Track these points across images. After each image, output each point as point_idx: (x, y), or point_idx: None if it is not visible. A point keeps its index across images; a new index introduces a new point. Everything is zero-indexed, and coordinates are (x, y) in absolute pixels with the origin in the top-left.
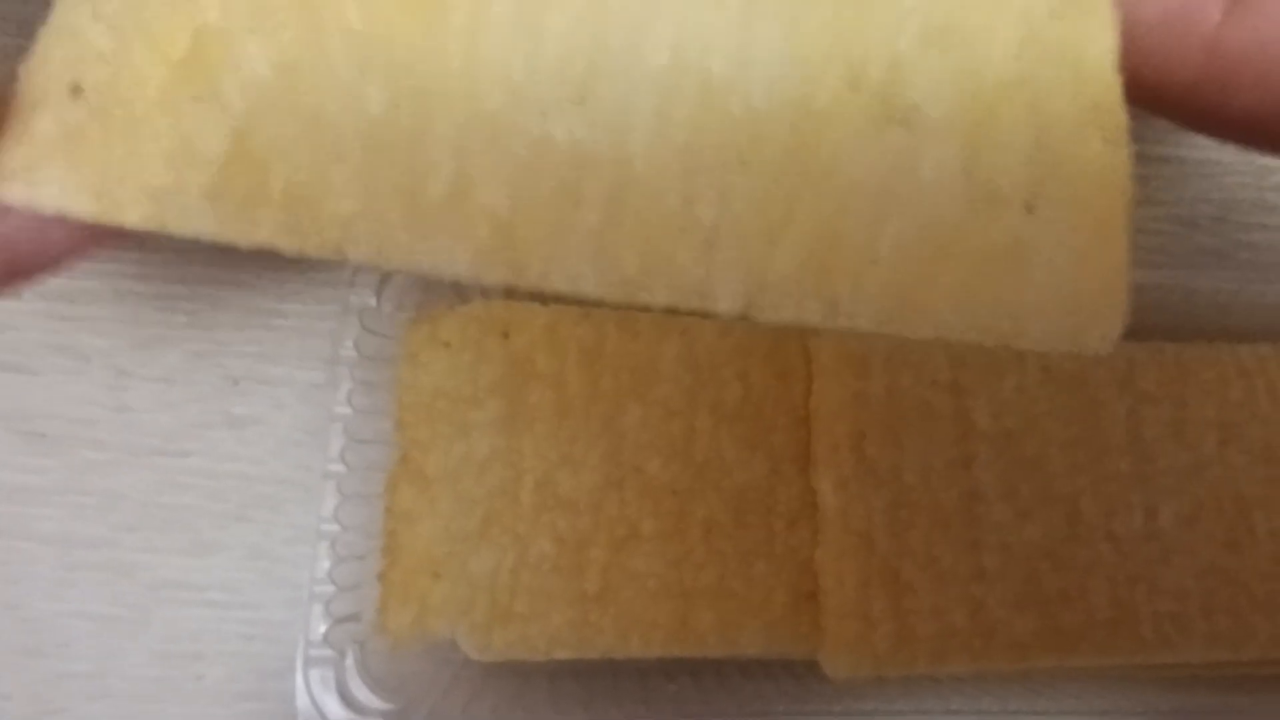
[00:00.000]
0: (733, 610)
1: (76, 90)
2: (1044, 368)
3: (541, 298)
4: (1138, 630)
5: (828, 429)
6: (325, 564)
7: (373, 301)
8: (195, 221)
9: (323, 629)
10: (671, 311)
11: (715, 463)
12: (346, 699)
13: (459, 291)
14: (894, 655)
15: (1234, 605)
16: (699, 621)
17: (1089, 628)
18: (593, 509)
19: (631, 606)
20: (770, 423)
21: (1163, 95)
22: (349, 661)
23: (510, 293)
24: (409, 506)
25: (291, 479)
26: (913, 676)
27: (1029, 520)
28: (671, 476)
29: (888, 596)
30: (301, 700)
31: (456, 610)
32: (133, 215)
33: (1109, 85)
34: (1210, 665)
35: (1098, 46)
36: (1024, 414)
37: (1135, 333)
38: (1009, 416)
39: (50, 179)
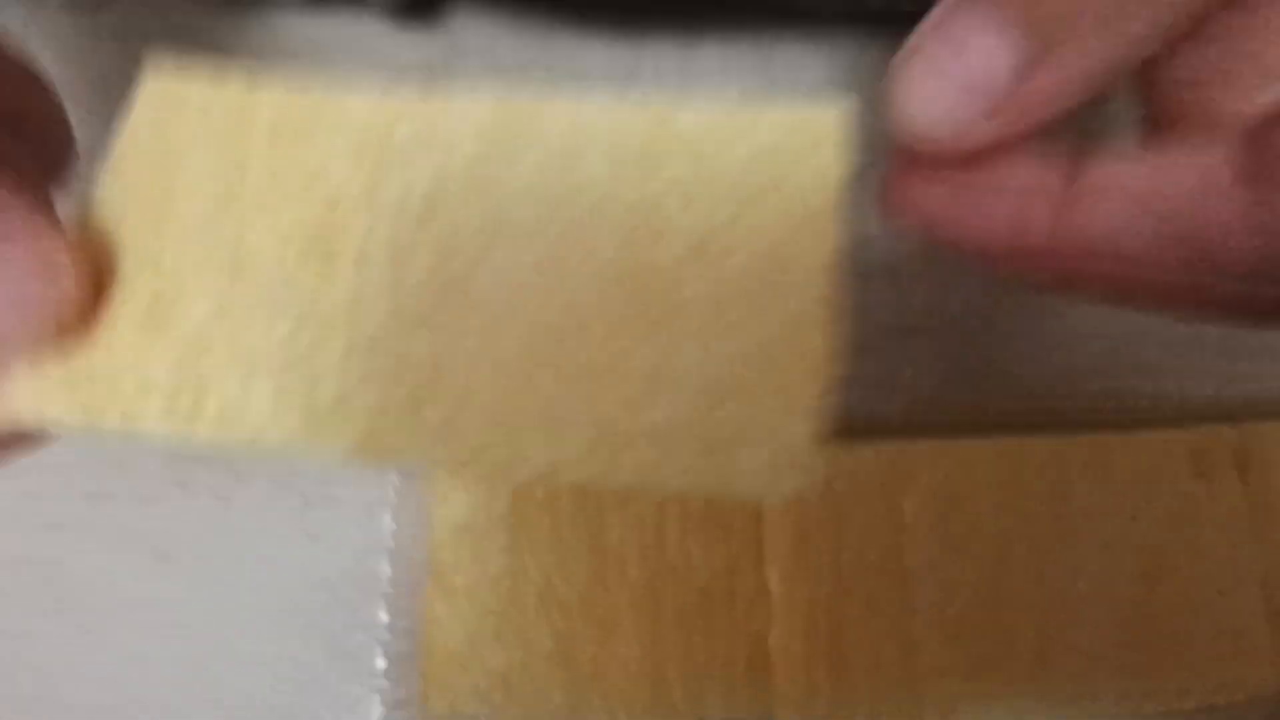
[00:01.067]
0: (701, 682)
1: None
2: (962, 461)
3: None
4: (1061, 664)
5: (776, 530)
6: (381, 664)
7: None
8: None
9: (382, 713)
10: None
11: (683, 561)
12: None
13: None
14: (835, 714)
15: (1146, 646)
16: (672, 693)
17: (1015, 681)
18: (584, 608)
19: (617, 686)
20: (728, 526)
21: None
22: None
23: None
24: (440, 615)
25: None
26: None
27: (954, 596)
28: (648, 575)
29: (829, 667)
30: None
31: (480, 697)
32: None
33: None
34: None
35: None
36: (947, 504)
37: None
38: (933, 509)
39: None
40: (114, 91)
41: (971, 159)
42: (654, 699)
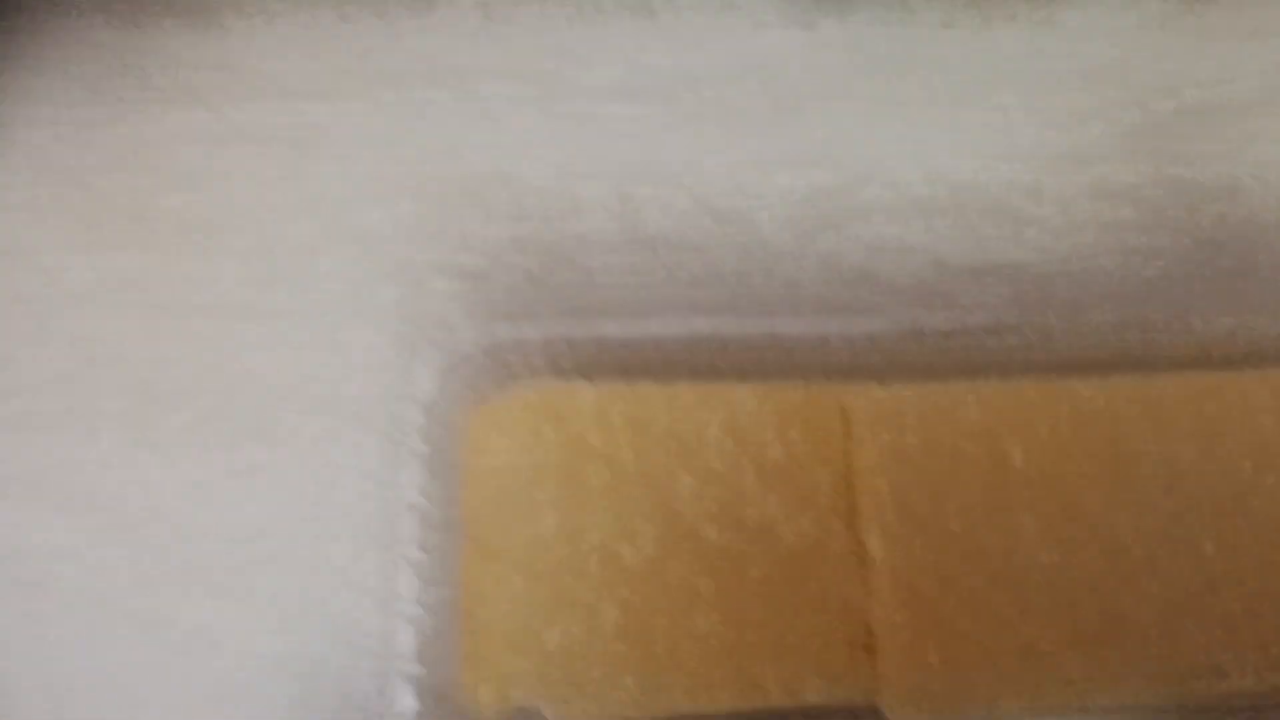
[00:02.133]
0: (793, 663)
1: None
2: (1074, 406)
3: (588, 377)
4: (1190, 661)
5: (870, 484)
6: (412, 644)
7: (434, 393)
8: None
9: (414, 706)
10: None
11: (765, 523)
12: None
13: (512, 375)
14: (950, 699)
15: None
16: (762, 676)
17: (1139, 661)
18: (654, 576)
19: (697, 666)
20: (814, 481)
21: None
22: None
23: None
24: (482, 585)
25: (366, 559)
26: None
27: (1073, 558)
28: (725, 540)
29: (941, 643)
30: None
31: (536, 681)
32: None
33: None
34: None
35: None
36: (1059, 455)
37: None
38: (1045, 459)
39: None
40: None
41: None
42: (741, 682)
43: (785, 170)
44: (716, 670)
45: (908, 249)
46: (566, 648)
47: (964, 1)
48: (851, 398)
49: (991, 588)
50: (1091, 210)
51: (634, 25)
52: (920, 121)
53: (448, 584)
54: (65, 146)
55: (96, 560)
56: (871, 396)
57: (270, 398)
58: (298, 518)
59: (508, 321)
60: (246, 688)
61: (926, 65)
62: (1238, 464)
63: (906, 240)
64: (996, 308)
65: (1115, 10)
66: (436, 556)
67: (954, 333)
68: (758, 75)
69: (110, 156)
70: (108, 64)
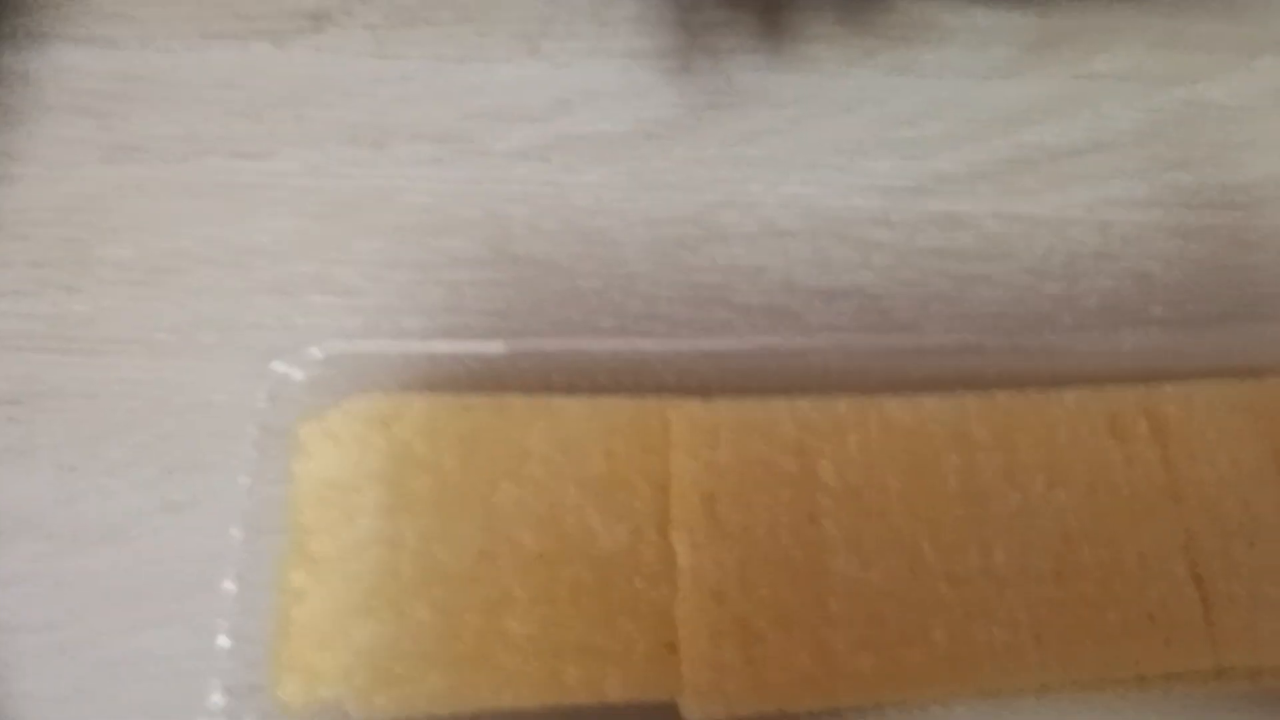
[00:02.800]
0: (597, 662)
1: None
2: (884, 423)
3: (421, 390)
4: (975, 662)
5: (683, 495)
6: (225, 643)
7: (266, 404)
8: None
9: (219, 701)
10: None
11: (582, 531)
12: None
13: (357, 387)
14: (746, 697)
15: (1064, 632)
16: (567, 675)
17: (930, 664)
18: (468, 579)
19: (504, 665)
20: (633, 491)
21: None
22: None
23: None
24: (299, 586)
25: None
26: (769, 716)
27: (873, 567)
28: (541, 545)
29: (739, 645)
30: None
31: (343, 677)
32: None
33: None
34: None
35: None
36: (867, 469)
37: (972, 383)
38: (853, 472)
39: None
40: None
41: None
42: (547, 680)
43: (648, 194)
44: (523, 668)
45: (760, 270)
46: (374, 645)
47: (826, 42)
48: (673, 412)
49: (792, 593)
50: (934, 237)
51: (516, 61)
52: (778, 151)
53: (262, 584)
54: None
55: None
56: (691, 412)
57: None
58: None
59: (368, 336)
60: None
61: (788, 100)
62: (1032, 477)
63: (760, 262)
64: (841, 327)
65: (966, 54)
66: (255, 559)
67: (799, 352)
68: (627, 105)
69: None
70: None
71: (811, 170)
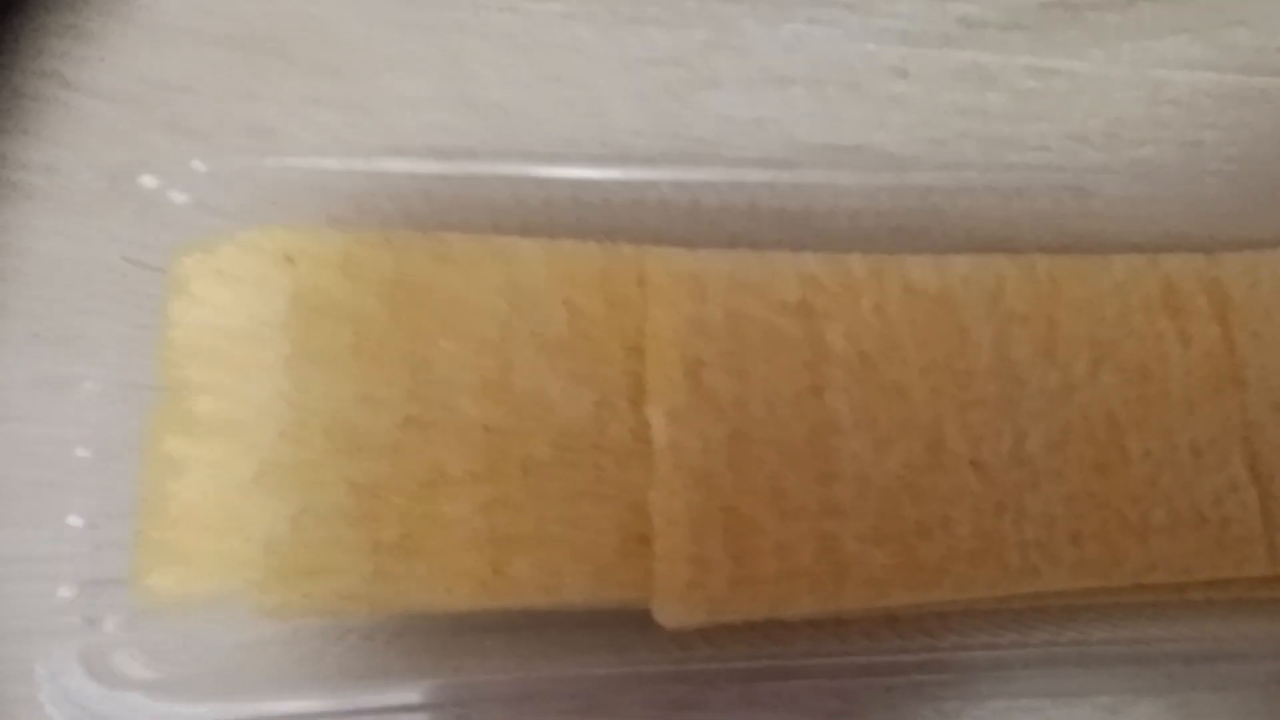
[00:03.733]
0: (555, 556)
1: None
2: (906, 286)
3: (335, 222)
4: (1003, 560)
5: (661, 358)
6: (77, 523)
7: (134, 230)
8: None
9: (67, 594)
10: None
11: (536, 398)
12: (100, 672)
13: (241, 215)
14: (732, 599)
15: (1104, 530)
16: (515, 568)
17: (950, 560)
18: (392, 452)
19: (437, 556)
20: (600, 354)
21: None
22: (110, 628)
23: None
24: (176, 455)
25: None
26: (756, 624)
27: (888, 450)
28: (485, 414)
29: (726, 536)
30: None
31: (229, 568)
32: None
33: None
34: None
35: None
36: (884, 337)
37: (1011, 246)
38: (867, 340)
39: None
40: None
41: None
42: (491, 577)
43: (627, 30)
44: (461, 562)
45: (758, 123)
46: (274, 530)
47: None
48: (652, 260)
49: (792, 478)
50: (960, 93)
51: None
52: None
53: (126, 452)
54: None
55: None
56: (673, 260)
57: None
58: None
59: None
60: None
61: None
62: (1075, 355)
63: (757, 113)
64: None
65: None
66: (115, 419)
67: (799, 212)
68: None
69: None
70: None
71: (818, 7)
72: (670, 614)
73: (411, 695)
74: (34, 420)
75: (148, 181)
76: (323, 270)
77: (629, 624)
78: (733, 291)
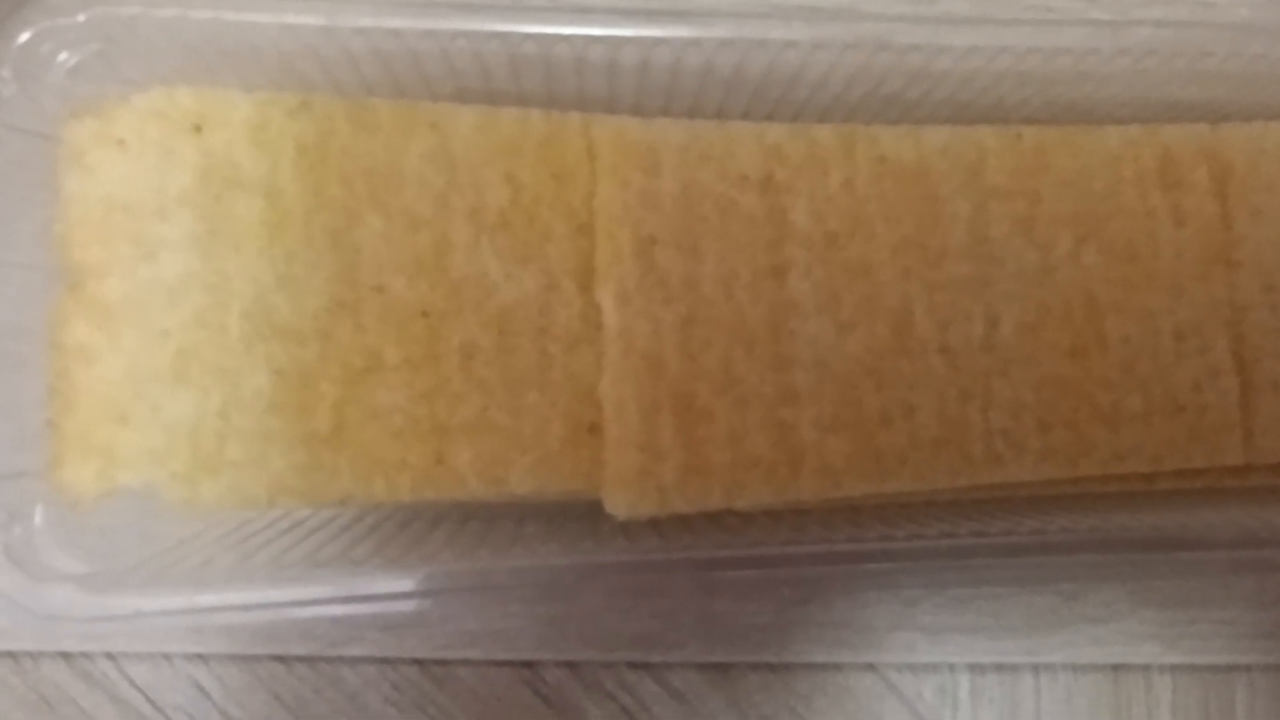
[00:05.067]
0: (499, 445)
1: None
2: (879, 158)
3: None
4: (966, 450)
5: (611, 234)
6: None
7: (12, 88)
8: None
9: None
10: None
11: (476, 279)
12: (26, 565)
13: (136, 74)
14: (684, 488)
15: (1074, 418)
16: (457, 459)
17: (911, 449)
18: (320, 337)
19: (373, 446)
20: (545, 231)
21: None
22: (38, 521)
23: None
24: (84, 342)
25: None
26: (710, 514)
27: (851, 334)
28: (420, 296)
29: (678, 423)
30: None
31: (151, 460)
32: None
33: None
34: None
35: None
36: (852, 214)
37: (992, 117)
38: (833, 217)
39: None
40: None
41: None
42: (431, 467)
43: None
44: (397, 451)
45: None
46: (195, 420)
47: None
48: (600, 129)
49: (748, 361)
50: None
51: None
52: None
53: (31, 339)
54: None
55: None
56: (624, 129)
57: None
58: None
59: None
60: None
61: None
62: (1057, 233)
63: None
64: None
65: None
66: (14, 304)
67: (760, 75)
68: None
69: None
70: None
71: None
72: (621, 503)
73: (363, 583)
74: None
75: (26, 38)
76: (233, 139)
77: (579, 516)
78: (689, 164)
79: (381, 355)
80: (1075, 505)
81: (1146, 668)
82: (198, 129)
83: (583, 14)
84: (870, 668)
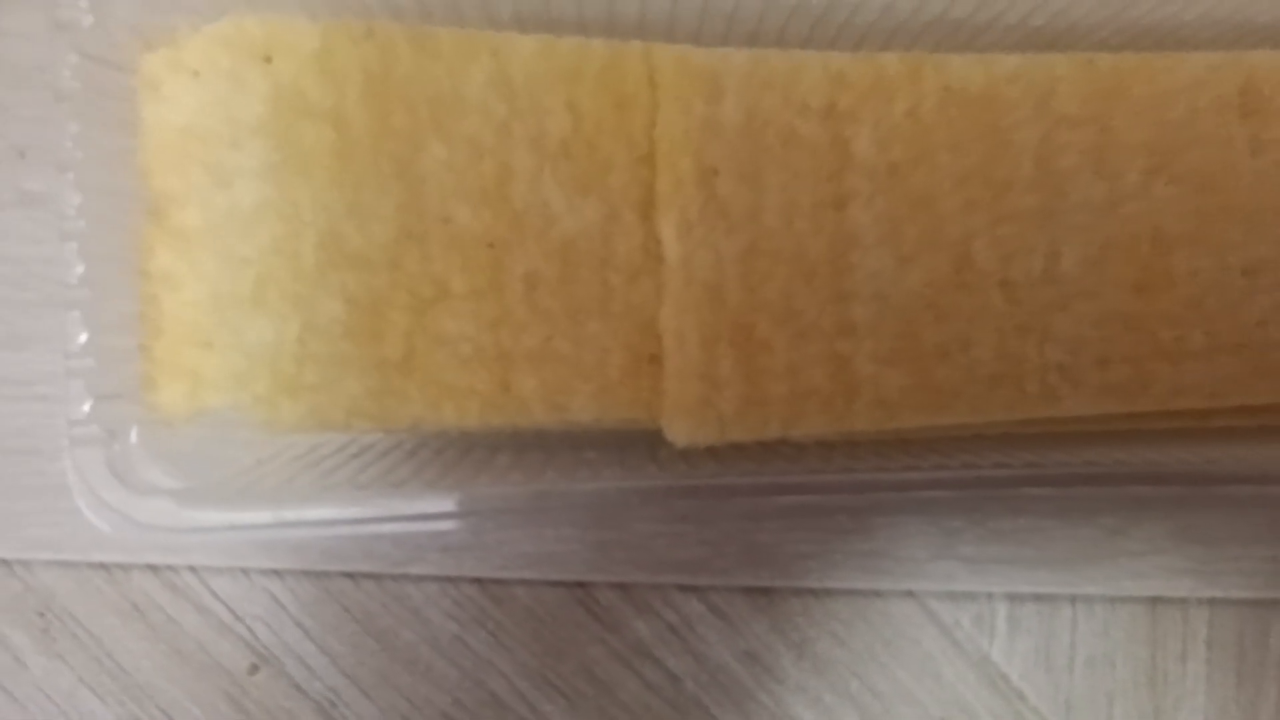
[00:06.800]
0: (561, 374)
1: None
2: (945, 86)
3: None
4: (1021, 385)
5: (672, 164)
6: (81, 336)
7: (89, 19)
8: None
9: (86, 408)
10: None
11: (538, 209)
12: (126, 479)
13: (208, 9)
14: (742, 417)
15: (1134, 354)
16: (521, 387)
17: (967, 383)
18: (389, 266)
19: (442, 372)
20: (606, 160)
21: None
22: (133, 439)
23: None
24: (169, 269)
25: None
26: (766, 444)
27: (911, 266)
28: (484, 226)
29: (737, 354)
30: (73, 480)
31: (235, 383)
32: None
33: None
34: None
35: None
36: (916, 144)
37: (1065, 43)
38: (897, 147)
39: None
40: None
41: None
42: (496, 394)
43: None
44: (464, 378)
45: None
46: (274, 345)
47: None
48: (661, 55)
49: (807, 293)
50: None
51: None
52: None
53: (121, 265)
54: None
55: None
56: (685, 56)
57: None
58: None
59: None
60: None
61: None
62: (1127, 163)
63: None
64: None
65: None
66: (104, 231)
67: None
68: None
69: None
70: None
71: None
72: (681, 431)
73: (426, 506)
74: (23, 240)
75: None
76: (299, 67)
77: (638, 444)
78: (751, 91)
79: (448, 285)
80: (1128, 440)
81: (1184, 601)
82: (267, 59)
83: None
84: (910, 595)
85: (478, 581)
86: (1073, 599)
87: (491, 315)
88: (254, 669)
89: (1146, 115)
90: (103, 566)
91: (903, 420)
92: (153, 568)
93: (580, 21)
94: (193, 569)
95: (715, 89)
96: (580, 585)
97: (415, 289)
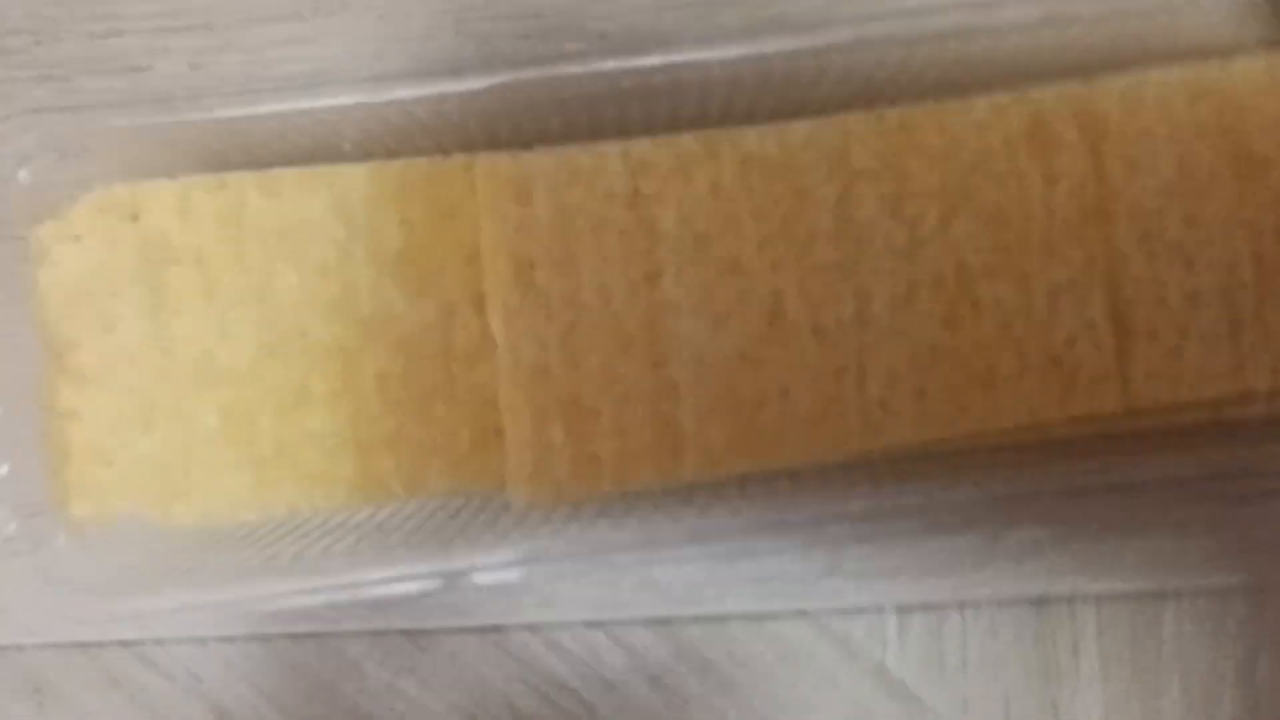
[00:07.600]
0: (415, 455)
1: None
2: (742, 157)
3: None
4: (843, 422)
5: (493, 263)
6: (3, 469)
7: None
8: None
9: (13, 528)
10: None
11: (383, 313)
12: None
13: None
14: (577, 480)
15: (949, 382)
16: (381, 469)
17: (789, 427)
18: (256, 378)
19: (310, 464)
20: (439, 264)
21: None
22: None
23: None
24: (71, 403)
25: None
26: (607, 499)
27: (724, 327)
28: (336, 335)
29: (567, 424)
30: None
31: (133, 492)
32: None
33: None
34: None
35: None
36: (719, 214)
37: (859, 102)
38: (701, 219)
39: None
40: None
41: None
42: (360, 478)
43: None
44: (330, 467)
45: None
46: (162, 455)
47: None
48: (480, 168)
49: (628, 362)
50: None
51: None
52: None
53: (30, 404)
54: None
55: None
56: (497, 164)
57: None
58: None
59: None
60: None
61: None
62: (924, 208)
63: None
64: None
65: None
66: (13, 378)
67: (663, 86)
68: None
69: None
70: None
71: None
72: (522, 496)
73: (354, 575)
74: None
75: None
76: (162, 219)
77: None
78: (559, 188)
79: (309, 389)
80: (996, 458)
81: (1070, 599)
82: (134, 217)
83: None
84: (803, 613)
85: (405, 633)
86: (960, 605)
87: (349, 411)
88: None
89: (940, 160)
90: (81, 645)
91: (730, 468)
92: (124, 643)
93: (407, 140)
94: (158, 641)
95: (525, 191)
96: (495, 629)
97: (280, 396)
